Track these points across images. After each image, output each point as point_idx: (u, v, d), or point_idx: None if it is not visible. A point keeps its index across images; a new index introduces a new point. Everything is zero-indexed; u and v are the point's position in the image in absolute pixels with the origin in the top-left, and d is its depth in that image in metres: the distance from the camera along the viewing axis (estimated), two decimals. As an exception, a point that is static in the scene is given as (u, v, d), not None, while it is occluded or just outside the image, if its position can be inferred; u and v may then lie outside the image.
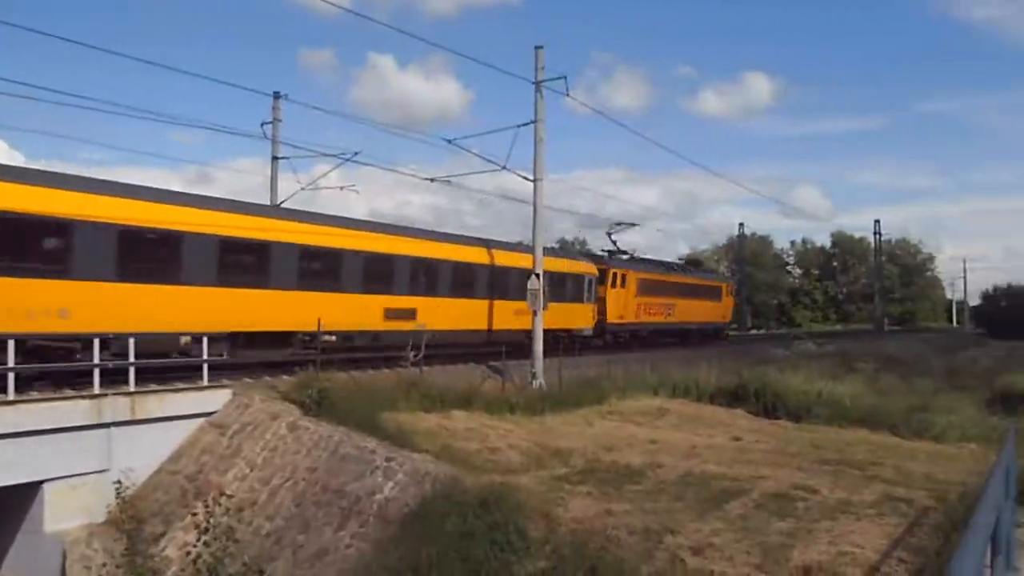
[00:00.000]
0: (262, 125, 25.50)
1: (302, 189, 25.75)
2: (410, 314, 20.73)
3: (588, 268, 30.08)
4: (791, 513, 10.33)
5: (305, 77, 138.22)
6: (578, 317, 28.75)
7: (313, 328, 17.12)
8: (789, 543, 9.02)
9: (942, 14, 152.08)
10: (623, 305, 32.39)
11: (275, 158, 25.57)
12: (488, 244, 25.42)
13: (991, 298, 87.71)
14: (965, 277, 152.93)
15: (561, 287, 27.11)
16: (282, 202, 24.75)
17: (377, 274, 20.02)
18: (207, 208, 16.24)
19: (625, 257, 35.16)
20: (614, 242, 35.73)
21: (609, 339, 31.51)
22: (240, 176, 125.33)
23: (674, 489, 11.66)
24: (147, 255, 14.94)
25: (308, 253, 18.23)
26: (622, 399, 19.90)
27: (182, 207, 15.65)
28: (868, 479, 12.49)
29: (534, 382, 20.36)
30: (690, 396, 21.14)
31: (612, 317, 31.54)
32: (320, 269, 18.76)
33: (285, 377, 15.91)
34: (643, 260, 37.35)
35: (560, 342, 25.04)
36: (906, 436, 17.79)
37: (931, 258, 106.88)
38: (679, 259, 61.14)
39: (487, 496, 9.97)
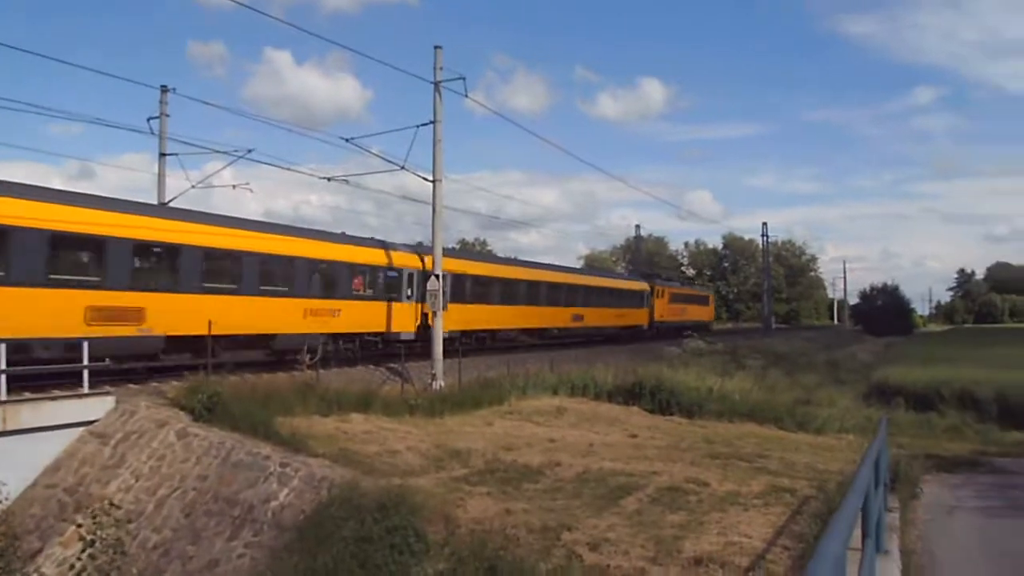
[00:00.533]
0: (149, 120, 24.38)
1: (192, 187, 24.78)
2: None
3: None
4: (683, 506, 10.66)
5: (196, 71, 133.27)
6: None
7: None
8: (681, 535, 9.31)
9: (829, 30, 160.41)
10: (662, 309, 47.66)
11: (163, 154, 24.51)
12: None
13: (868, 297, 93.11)
14: (845, 277, 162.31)
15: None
16: (170, 200, 23.78)
17: None
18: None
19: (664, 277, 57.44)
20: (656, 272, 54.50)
21: (654, 331, 45.20)
22: (126, 173, 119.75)
23: (572, 487, 11.84)
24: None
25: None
26: (521, 399, 20.05)
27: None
28: (755, 471, 13.03)
29: (434, 384, 20.28)
30: (588, 395, 21.51)
31: (657, 316, 46.67)
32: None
33: (175, 383, 15.27)
34: (668, 279, 60.48)
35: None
36: (790, 429, 18.68)
37: (814, 259, 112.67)
38: (579, 258, 63.38)
39: (385, 500, 9.85)
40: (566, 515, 10.05)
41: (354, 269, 22.42)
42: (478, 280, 28.71)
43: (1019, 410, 20.97)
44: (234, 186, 30.57)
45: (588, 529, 9.53)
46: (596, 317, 37.72)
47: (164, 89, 24.53)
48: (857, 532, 6.39)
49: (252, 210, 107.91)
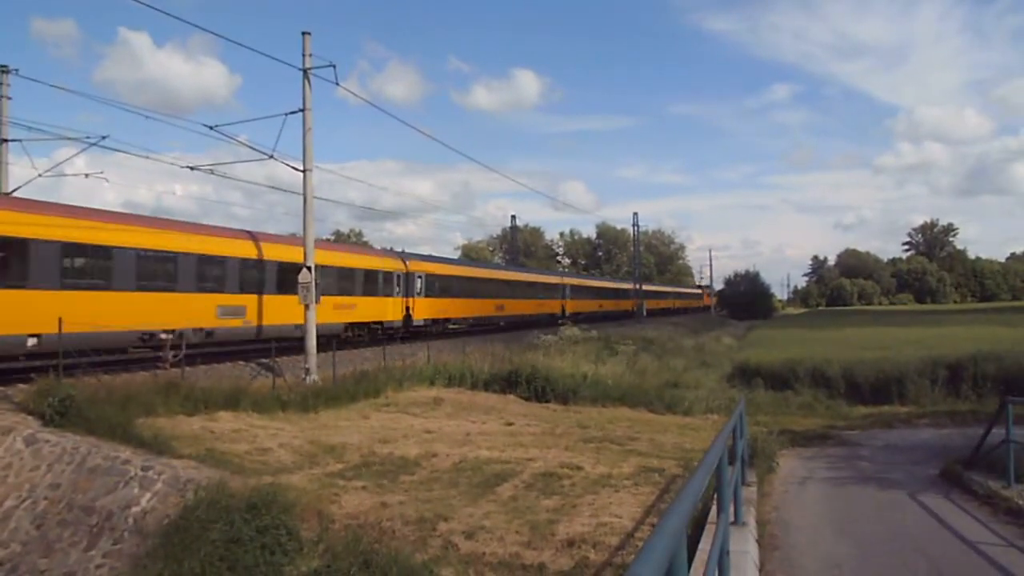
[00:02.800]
0: None
1: (40, 175, 23.10)
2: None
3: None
4: (557, 491, 10.91)
5: (41, 51, 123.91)
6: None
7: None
8: (555, 519, 9.52)
9: (693, 26, 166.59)
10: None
11: (4, 140, 22.70)
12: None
13: (732, 283, 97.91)
14: (711, 264, 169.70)
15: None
16: (15, 190, 22.07)
17: None
18: None
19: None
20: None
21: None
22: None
23: (448, 477, 11.88)
24: None
25: None
26: (398, 391, 19.91)
27: None
28: (626, 453, 13.49)
29: (307, 378, 19.81)
30: (465, 384, 21.60)
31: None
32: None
33: (21, 386, 14.22)
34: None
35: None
36: (660, 411, 19.45)
37: (682, 248, 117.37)
38: (456, 248, 63.38)
39: (255, 499, 9.57)
40: (442, 505, 10.09)
41: (365, 273, 28.03)
42: (440, 277, 34.43)
43: (864, 386, 22.59)
44: (87, 175, 28.53)
45: (464, 518, 9.60)
46: (519, 307, 44.63)
47: (4, 70, 22.70)
48: (715, 507, 6.74)
49: (109, 200, 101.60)
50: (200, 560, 8.81)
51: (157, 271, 19.20)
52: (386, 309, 29.30)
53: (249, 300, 21.84)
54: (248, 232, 23.36)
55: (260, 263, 22.48)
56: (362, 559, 8.53)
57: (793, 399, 22.10)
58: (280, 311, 22.37)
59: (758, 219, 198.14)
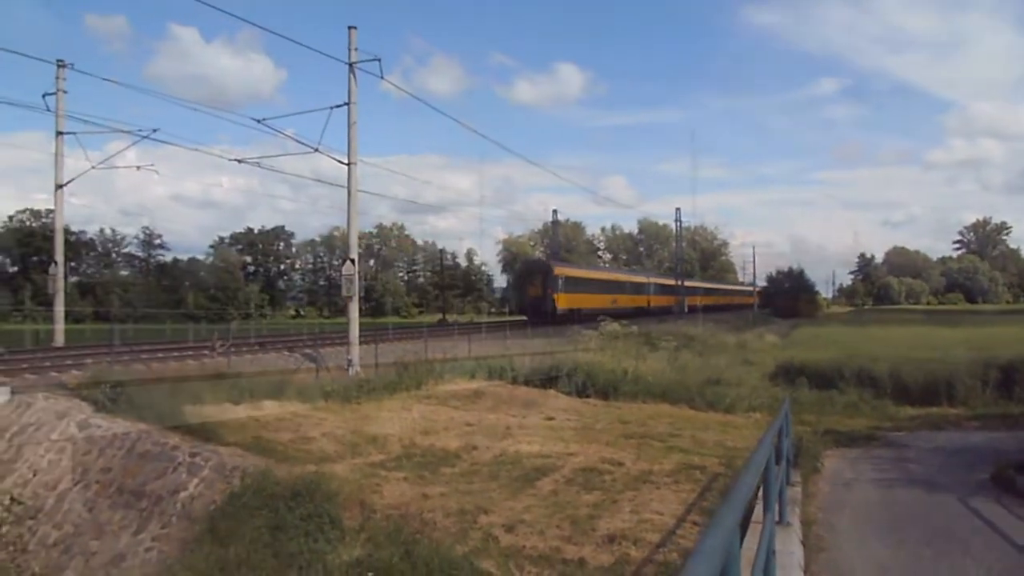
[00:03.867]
0: (44, 96, 23.15)
1: (93, 168, 23.72)
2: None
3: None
4: (598, 486, 10.87)
5: (94, 46, 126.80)
6: None
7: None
8: (596, 514, 9.50)
9: (737, 20, 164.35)
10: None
11: (59, 133, 23.33)
12: None
13: (776, 280, 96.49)
14: (754, 261, 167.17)
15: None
16: (69, 181, 22.70)
17: None
18: None
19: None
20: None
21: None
22: (19, 152, 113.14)
23: (488, 470, 11.92)
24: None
25: None
26: (439, 383, 20.02)
27: None
28: (668, 450, 13.39)
29: (350, 369, 20.03)
30: (505, 378, 21.64)
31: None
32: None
33: (75, 372, 14.63)
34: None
35: None
36: (701, 408, 19.23)
37: (725, 244, 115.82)
38: (497, 242, 64.44)
39: (299, 487, 9.71)
40: (482, 498, 10.13)
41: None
42: (575, 279, 45.88)
43: (912, 387, 22.08)
44: (138, 167, 29.27)
45: (504, 511, 9.63)
46: (626, 300, 53.74)
47: (60, 64, 23.31)
48: (760, 507, 6.65)
49: (158, 193, 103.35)
50: (245, 545, 8.97)
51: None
52: None
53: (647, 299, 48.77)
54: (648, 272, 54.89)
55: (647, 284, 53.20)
56: (403, 549, 8.61)
57: (838, 399, 21.66)
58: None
59: (803, 215, 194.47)
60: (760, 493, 6.83)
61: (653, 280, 65.19)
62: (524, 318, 42.29)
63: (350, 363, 20.24)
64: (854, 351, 27.24)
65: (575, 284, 44.81)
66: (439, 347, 24.80)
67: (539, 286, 42.13)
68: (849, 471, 13.35)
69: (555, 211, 78.96)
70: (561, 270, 43.90)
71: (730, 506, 2.64)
